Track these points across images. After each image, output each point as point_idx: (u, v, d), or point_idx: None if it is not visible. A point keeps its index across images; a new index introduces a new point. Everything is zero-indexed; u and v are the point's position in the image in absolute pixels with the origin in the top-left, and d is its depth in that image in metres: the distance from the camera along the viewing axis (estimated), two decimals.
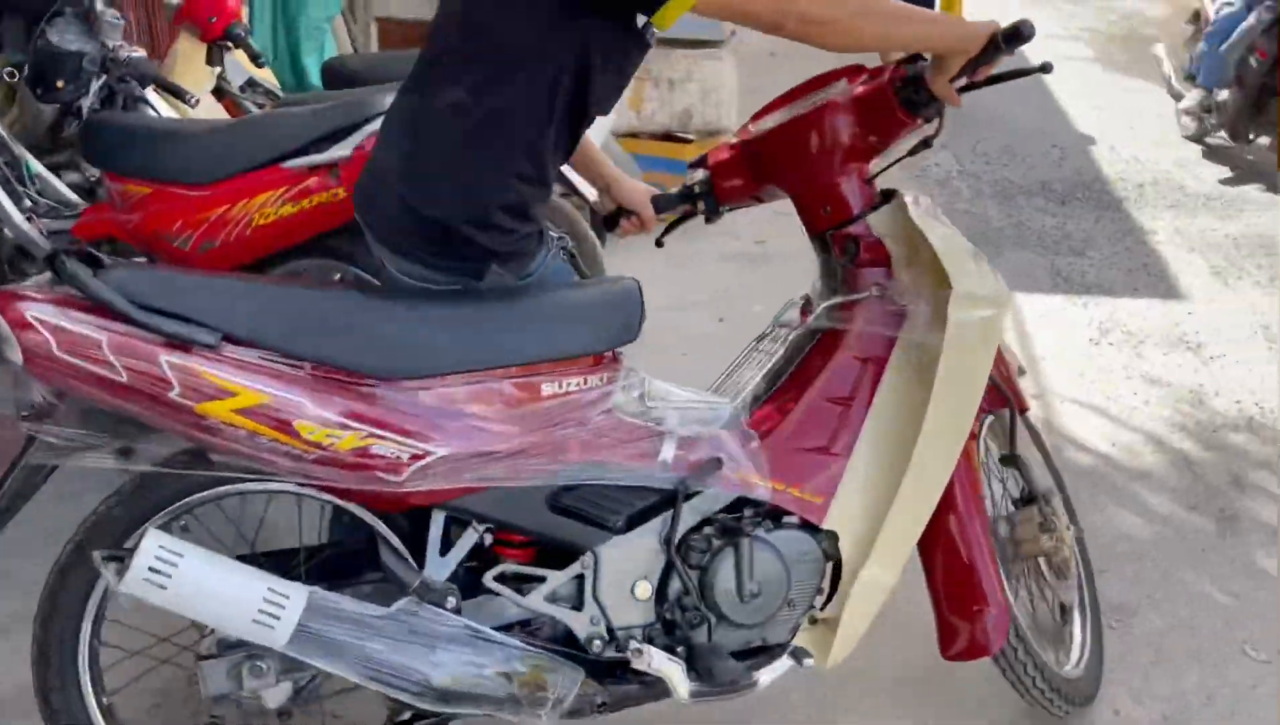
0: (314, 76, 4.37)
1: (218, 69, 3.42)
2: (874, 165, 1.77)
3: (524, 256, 1.63)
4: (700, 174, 1.86)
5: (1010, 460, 2.03)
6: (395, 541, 1.55)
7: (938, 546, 1.82)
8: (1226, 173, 5.58)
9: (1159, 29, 9.93)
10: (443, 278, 1.58)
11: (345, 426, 1.38)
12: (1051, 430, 3.06)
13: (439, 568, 1.55)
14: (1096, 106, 6.80)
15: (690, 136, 4.78)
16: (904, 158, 1.84)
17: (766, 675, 1.69)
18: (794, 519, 1.69)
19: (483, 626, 1.54)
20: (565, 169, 3.01)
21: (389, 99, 2.62)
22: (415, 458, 1.41)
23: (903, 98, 1.63)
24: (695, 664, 1.63)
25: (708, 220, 1.91)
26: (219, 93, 3.47)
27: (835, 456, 1.71)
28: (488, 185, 1.55)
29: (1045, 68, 1.61)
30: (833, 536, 1.70)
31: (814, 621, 1.76)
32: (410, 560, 1.54)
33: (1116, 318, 3.93)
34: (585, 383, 1.54)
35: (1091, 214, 5.06)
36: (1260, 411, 3.27)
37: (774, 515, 1.69)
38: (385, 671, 1.49)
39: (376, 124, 2.40)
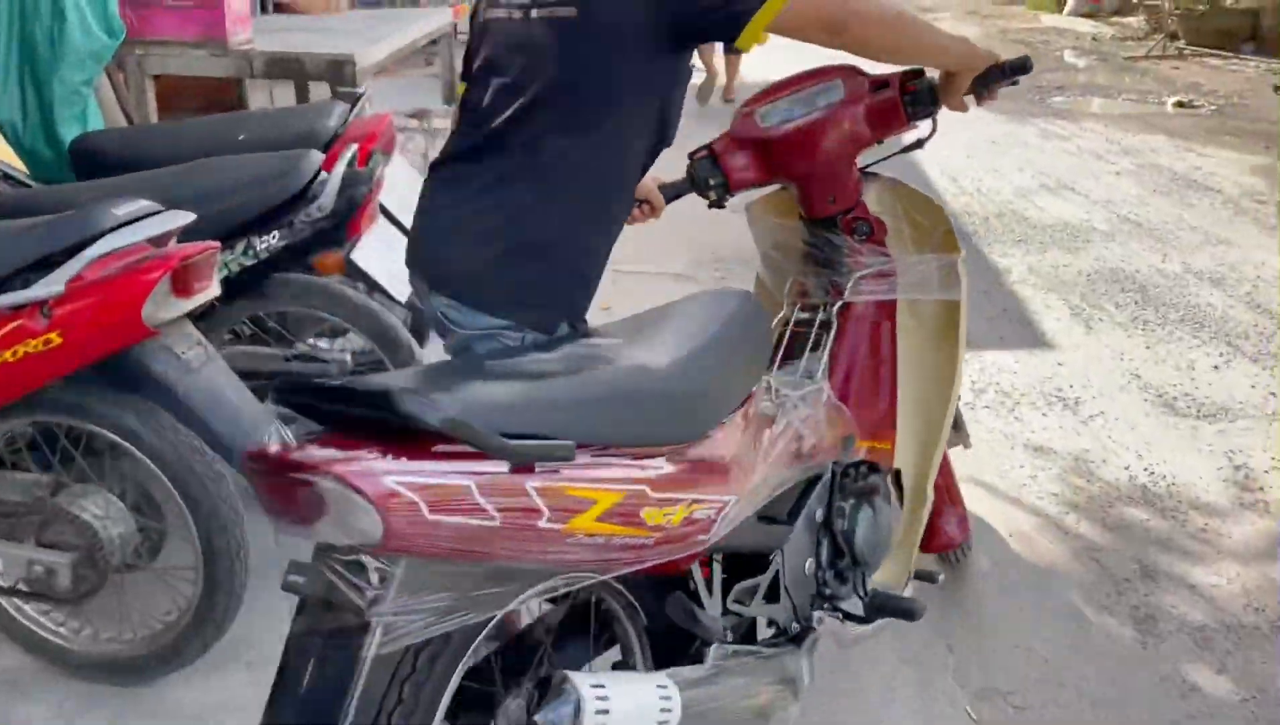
0: None
1: None
2: (864, 156, 2.05)
3: (579, 308, 1.75)
4: (706, 163, 2.05)
5: None
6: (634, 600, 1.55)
7: None
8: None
9: None
10: (510, 327, 1.66)
11: (676, 500, 1.33)
12: None
13: (715, 608, 1.59)
14: None
15: None
16: (897, 154, 2.11)
17: (914, 594, 1.99)
18: (864, 467, 1.92)
19: (766, 648, 1.66)
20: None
21: (131, 206, 2.04)
22: (720, 511, 1.41)
23: (908, 106, 1.93)
24: (860, 612, 1.84)
25: (714, 205, 2.10)
26: None
27: (889, 407, 2.07)
28: (588, 225, 1.67)
29: (1027, 67, 1.81)
30: (896, 473, 2.01)
31: None
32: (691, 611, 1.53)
33: (988, 375, 3.69)
34: (760, 396, 1.61)
35: None
36: (1151, 478, 3.05)
37: (857, 467, 1.91)
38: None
39: (102, 246, 1.85)
